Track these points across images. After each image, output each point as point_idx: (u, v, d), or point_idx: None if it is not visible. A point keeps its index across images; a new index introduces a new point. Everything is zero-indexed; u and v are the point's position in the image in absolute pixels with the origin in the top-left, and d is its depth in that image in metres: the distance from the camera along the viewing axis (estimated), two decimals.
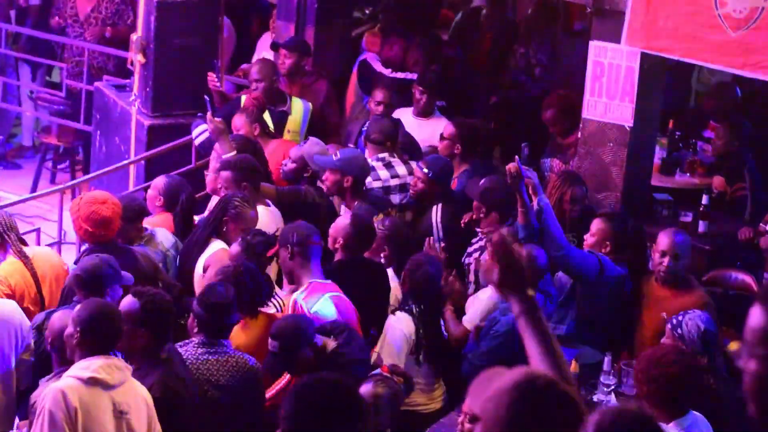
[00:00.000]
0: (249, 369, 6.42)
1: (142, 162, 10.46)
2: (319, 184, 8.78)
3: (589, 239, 7.69)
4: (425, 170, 8.56)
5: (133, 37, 10.62)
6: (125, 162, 10.49)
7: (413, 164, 8.96)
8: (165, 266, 7.89)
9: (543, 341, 3.79)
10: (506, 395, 3.31)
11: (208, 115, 8.86)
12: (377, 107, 9.88)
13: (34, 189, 12.06)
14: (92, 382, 5.67)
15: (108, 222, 7.46)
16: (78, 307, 6.00)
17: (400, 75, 10.97)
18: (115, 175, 10.49)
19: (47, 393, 5.65)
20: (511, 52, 12.01)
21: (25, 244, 7.69)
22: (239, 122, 9.36)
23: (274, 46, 10.83)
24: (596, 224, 7.72)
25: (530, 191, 7.46)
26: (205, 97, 9.17)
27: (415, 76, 10.78)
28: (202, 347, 6.38)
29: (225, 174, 8.19)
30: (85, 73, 12.25)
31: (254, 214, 7.85)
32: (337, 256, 7.60)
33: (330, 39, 11.27)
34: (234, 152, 8.54)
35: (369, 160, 9.00)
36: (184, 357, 6.31)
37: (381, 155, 9.16)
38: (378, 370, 6.02)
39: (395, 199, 8.97)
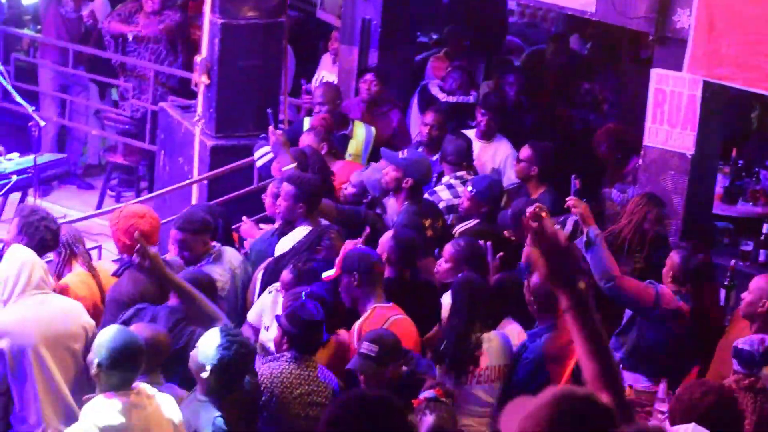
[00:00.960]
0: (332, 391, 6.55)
1: (205, 182, 10.54)
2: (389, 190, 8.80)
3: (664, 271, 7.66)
4: (469, 188, 8.61)
5: (198, 58, 10.72)
6: (188, 182, 10.58)
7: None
8: (233, 284, 7.89)
9: (591, 337, 3.62)
10: (546, 410, 3.26)
11: (270, 128, 8.97)
12: (424, 128, 9.92)
13: (99, 207, 12.22)
14: (108, 429, 5.62)
15: (146, 236, 7.41)
16: (104, 334, 5.93)
17: (453, 99, 10.99)
18: (178, 195, 10.56)
19: None
20: (575, 88, 11.98)
21: (90, 259, 7.78)
22: (307, 141, 9.43)
23: (362, 71, 10.88)
24: (669, 257, 7.67)
25: (580, 221, 7.46)
26: (268, 110, 9.26)
27: (470, 99, 10.83)
28: (294, 362, 6.44)
29: (288, 188, 8.19)
30: (150, 93, 12.42)
31: None
32: (386, 274, 7.60)
33: (393, 64, 11.32)
34: (294, 165, 8.63)
35: (447, 178, 9.15)
36: (277, 371, 6.38)
37: (459, 173, 9.24)
38: (432, 393, 6.01)
39: None
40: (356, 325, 7.13)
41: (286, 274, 7.35)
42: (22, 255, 6.78)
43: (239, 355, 6.02)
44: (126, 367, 5.74)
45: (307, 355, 6.52)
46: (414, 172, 8.64)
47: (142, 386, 5.77)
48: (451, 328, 6.97)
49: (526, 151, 9.17)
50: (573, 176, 7.87)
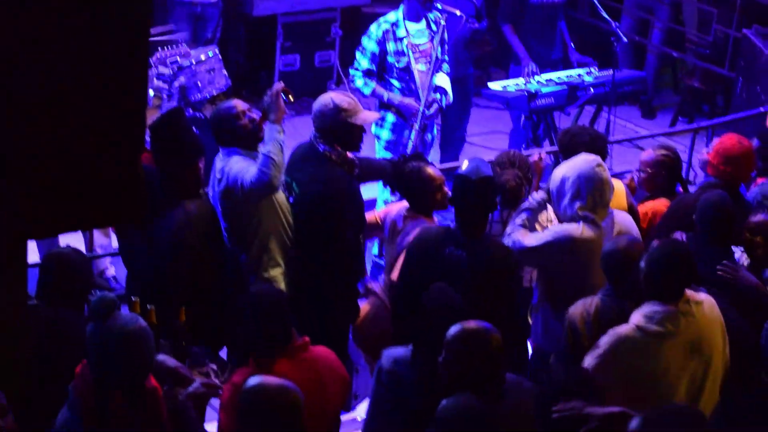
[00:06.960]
0: None
1: None
2: None
3: None
4: None
5: None
6: (762, 110, 10.35)
7: None
8: None
9: None
10: None
11: None
12: None
13: (672, 126, 12.34)
14: (656, 335, 5.61)
15: (730, 158, 7.31)
16: (654, 245, 5.82)
17: None
18: (751, 123, 10.41)
19: (611, 335, 5.64)
20: None
21: None
22: None
23: None
24: None
25: None
26: None
27: None
28: None
29: None
30: (734, 19, 12.25)
31: None
32: None
33: None
34: None
35: None
36: None
37: None
38: None
39: None
40: None
41: None
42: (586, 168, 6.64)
43: None
44: (679, 278, 5.68)
45: None
46: None
47: (689, 293, 5.73)
48: None
49: None
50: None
